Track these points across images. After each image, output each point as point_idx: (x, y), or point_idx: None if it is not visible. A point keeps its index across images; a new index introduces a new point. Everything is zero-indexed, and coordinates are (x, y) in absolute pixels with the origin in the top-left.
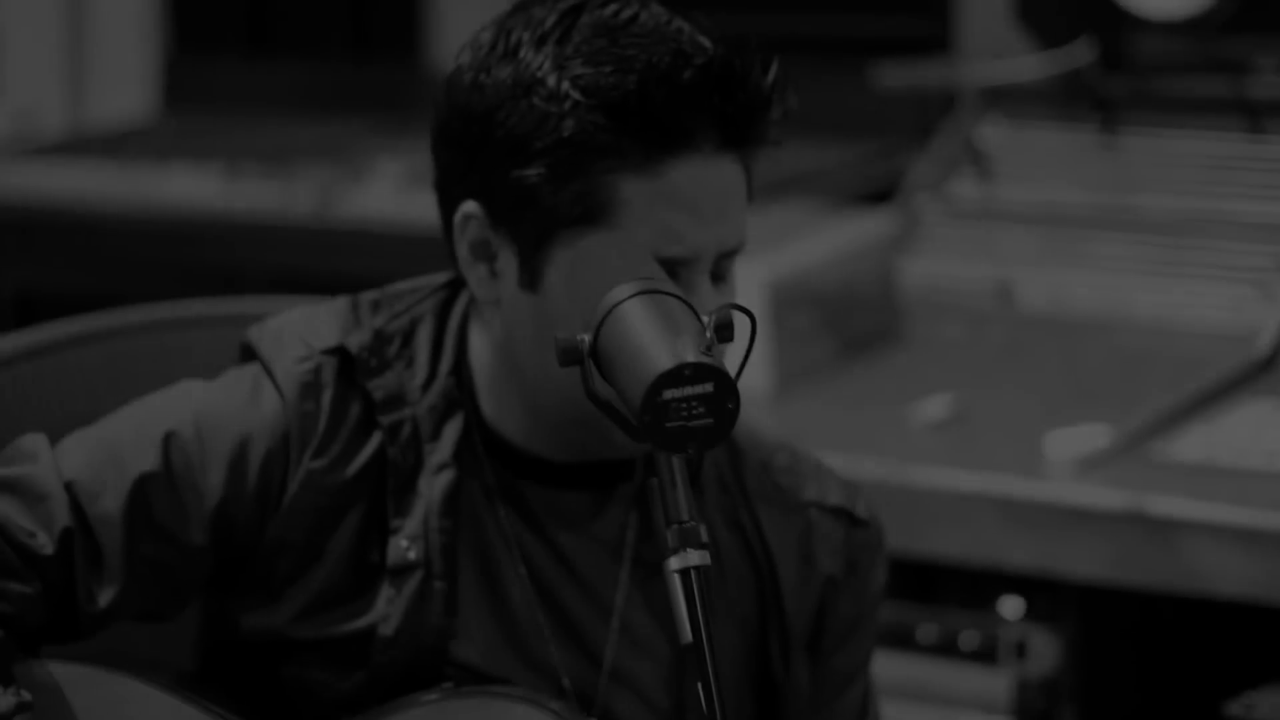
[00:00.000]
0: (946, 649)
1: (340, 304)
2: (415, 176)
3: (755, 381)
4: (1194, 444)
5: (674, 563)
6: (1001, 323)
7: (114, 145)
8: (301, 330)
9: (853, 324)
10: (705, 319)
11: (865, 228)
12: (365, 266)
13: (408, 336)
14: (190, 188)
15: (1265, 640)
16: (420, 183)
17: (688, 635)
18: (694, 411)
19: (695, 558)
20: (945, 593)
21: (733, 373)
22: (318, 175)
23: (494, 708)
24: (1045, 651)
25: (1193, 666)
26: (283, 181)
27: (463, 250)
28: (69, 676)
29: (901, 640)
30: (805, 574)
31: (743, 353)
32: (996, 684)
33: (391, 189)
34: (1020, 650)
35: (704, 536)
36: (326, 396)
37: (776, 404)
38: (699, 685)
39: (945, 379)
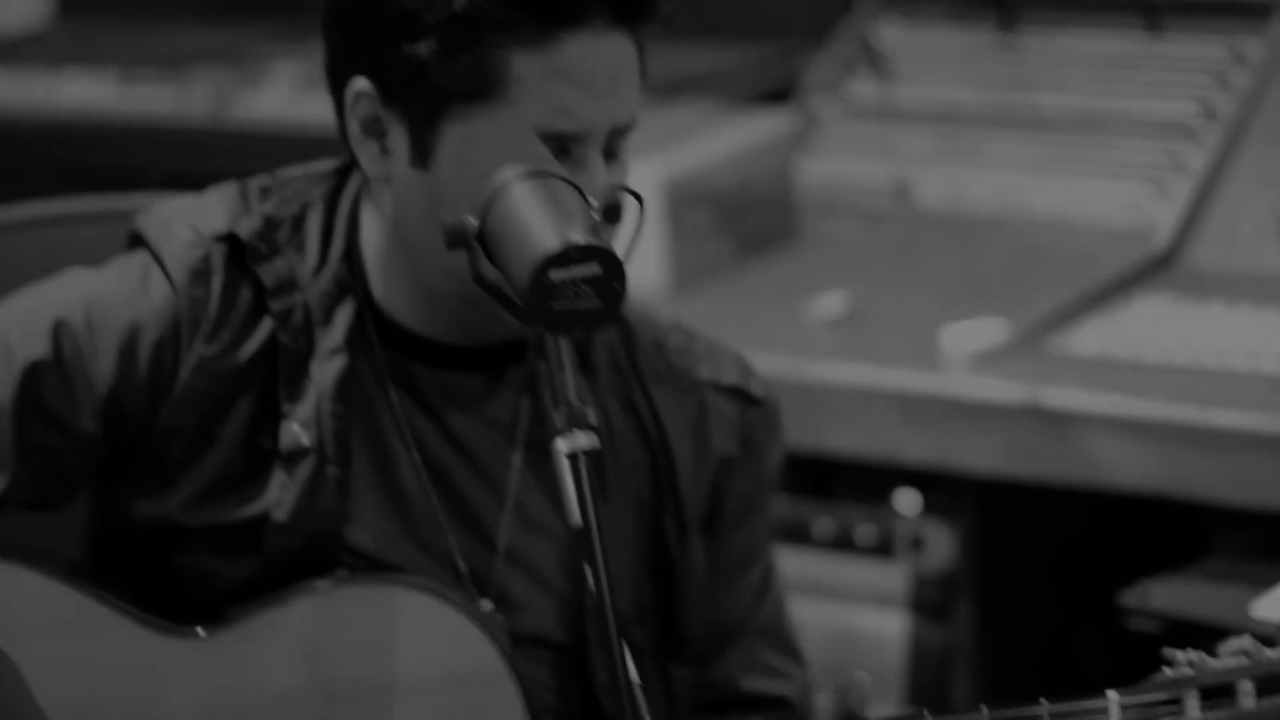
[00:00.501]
0: (843, 544)
1: (229, 190)
2: (311, 79)
3: (652, 279)
4: (1091, 338)
5: (562, 445)
6: (899, 221)
7: (9, 51)
8: (190, 217)
9: (750, 223)
10: (593, 201)
11: (762, 127)
12: (261, 169)
13: (298, 222)
14: (85, 93)
15: (1161, 531)
16: (317, 85)
17: (577, 519)
18: (581, 293)
19: (583, 440)
20: (842, 488)
21: (621, 256)
22: (213, 79)
23: (388, 595)
24: (942, 545)
25: (1089, 558)
26: (178, 85)
27: (354, 128)
28: None
29: (797, 535)
30: (700, 454)
31: (631, 236)
32: (893, 578)
33: (287, 92)
34: (917, 544)
35: (592, 419)
36: (216, 282)
37: (673, 301)
38: (587, 568)
39: (842, 276)
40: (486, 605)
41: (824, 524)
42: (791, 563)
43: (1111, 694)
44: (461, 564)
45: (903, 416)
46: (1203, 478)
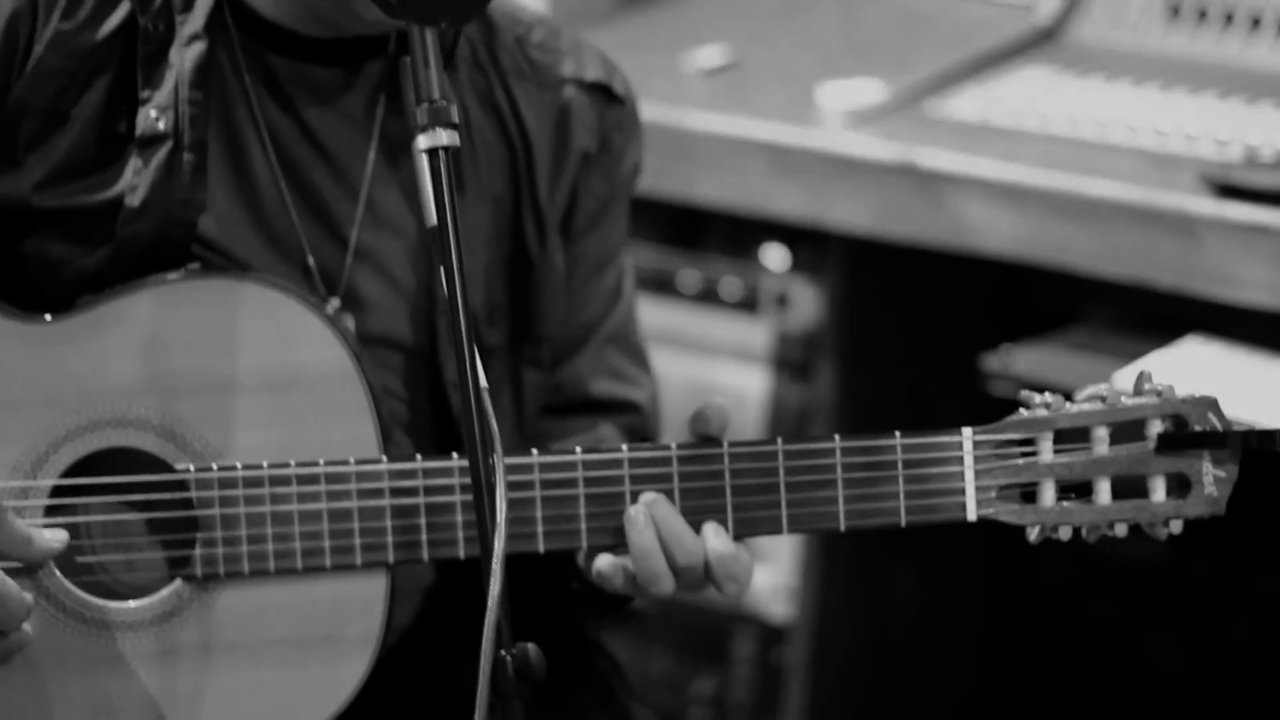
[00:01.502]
0: (708, 297)
1: None
2: None
3: None
4: (969, 104)
5: (422, 141)
6: None
7: None
8: None
9: None
10: None
11: None
12: None
13: None
14: None
15: (1026, 296)
16: None
17: (433, 218)
18: None
19: (444, 137)
20: (710, 241)
21: None
22: None
23: (237, 290)
24: (807, 304)
25: (955, 323)
26: None
27: None
28: None
29: (663, 286)
30: (561, 152)
31: None
32: (756, 334)
33: None
34: (782, 301)
35: (454, 117)
36: None
37: None
38: (441, 269)
39: (722, 31)
40: (334, 303)
41: (690, 276)
42: (655, 314)
43: (966, 430)
44: (311, 260)
45: (774, 169)
46: (1073, 247)
